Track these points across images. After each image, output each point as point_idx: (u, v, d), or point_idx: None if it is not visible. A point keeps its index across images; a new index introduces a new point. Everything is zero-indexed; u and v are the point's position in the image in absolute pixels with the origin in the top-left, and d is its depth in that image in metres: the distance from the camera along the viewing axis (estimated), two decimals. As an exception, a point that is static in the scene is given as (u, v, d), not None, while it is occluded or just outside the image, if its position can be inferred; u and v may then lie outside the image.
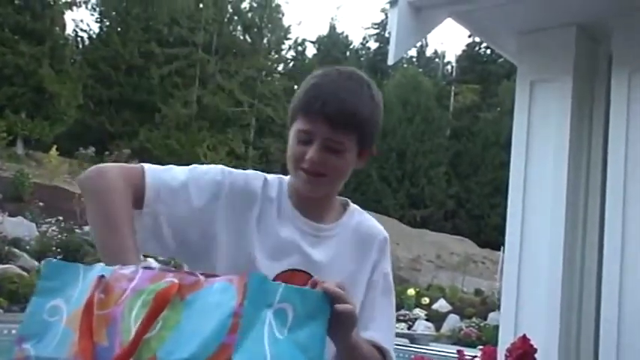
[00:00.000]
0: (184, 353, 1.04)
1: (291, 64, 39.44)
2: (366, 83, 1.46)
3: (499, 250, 21.40)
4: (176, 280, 1.14)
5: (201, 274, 1.16)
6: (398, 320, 17.72)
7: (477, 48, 43.59)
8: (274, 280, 1.30)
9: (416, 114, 37.26)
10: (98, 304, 1.13)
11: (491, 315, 16.90)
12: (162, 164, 1.51)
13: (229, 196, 1.45)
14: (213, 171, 1.48)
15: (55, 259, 1.29)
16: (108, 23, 35.41)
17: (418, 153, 36.61)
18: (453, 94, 43.51)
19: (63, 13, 29.06)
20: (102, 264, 1.25)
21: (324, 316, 1.18)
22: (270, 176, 1.54)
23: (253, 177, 1.51)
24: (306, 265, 1.46)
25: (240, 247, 1.43)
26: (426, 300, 18.91)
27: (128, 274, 1.18)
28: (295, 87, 37.83)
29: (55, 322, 1.15)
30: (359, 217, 1.58)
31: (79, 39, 35.69)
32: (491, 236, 30.90)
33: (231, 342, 1.04)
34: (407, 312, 18.04)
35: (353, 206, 1.60)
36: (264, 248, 1.44)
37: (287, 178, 1.54)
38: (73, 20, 45.44)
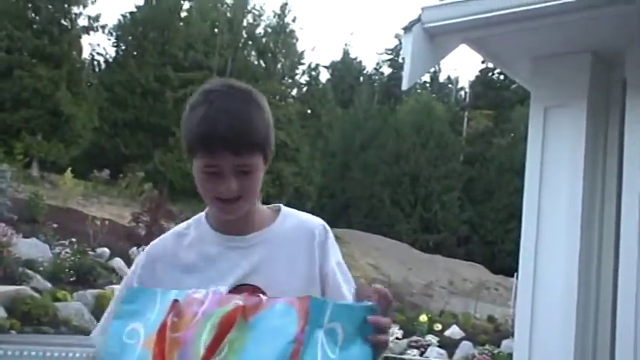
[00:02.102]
0: None
1: (304, 89, 39.60)
2: (250, 97, 1.48)
3: (512, 276, 21.24)
4: (241, 303, 1.19)
5: (263, 294, 1.24)
6: (410, 347, 17.56)
7: (490, 74, 43.64)
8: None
9: (429, 139, 37.24)
10: (171, 327, 1.19)
11: (504, 342, 16.72)
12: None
13: (142, 277, 1.52)
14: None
15: (136, 286, 1.39)
16: (124, 47, 35.80)
17: (431, 178, 36.52)
18: (466, 119, 43.50)
19: (80, 37, 29.42)
20: (177, 290, 1.30)
21: (370, 330, 1.21)
22: (178, 226, 1.63)
23: (150, 246, 1.60)
24: (245, 277, 1.48)
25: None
26: (438, 326, 18.74)
27: (200, 298, 1.24)
28: (309, 111, 38.00)
29: (132, 345, 1.22)
30: (291, 218, 1.59)
31: (95, 62, 36.11)
32: (505, 262, 30.66)
33: None
34: (419, 338, 17.88)
35: (285, 210, 1.60)
36: (204, 280, 1.46)
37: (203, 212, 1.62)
38: (90, 44, 46.03)
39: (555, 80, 3.18)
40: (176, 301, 1.24)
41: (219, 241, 1.54)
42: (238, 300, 1.21)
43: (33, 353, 11.14)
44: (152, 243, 1.61)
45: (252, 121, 1.44)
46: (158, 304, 1.26)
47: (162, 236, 1.62)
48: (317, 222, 1.58)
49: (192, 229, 1.59)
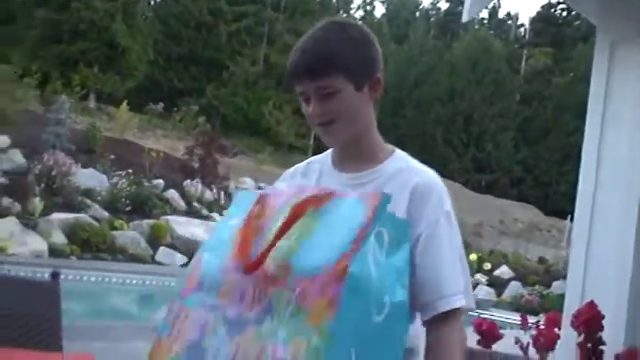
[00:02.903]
0: (314, 261, 1.15)
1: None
2: (341, 26, 1.51)
3: (566, 218, 20.94)
4: (315, 192, 1.28)
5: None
6: (458, 285, 17.64)
7: (552, 10, 42.09)
8: None
9: (485, 76, 36.40)
10: (256, 216, 1.30)
11: (555, 284, 16.62)
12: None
13: None
14: None
15: (244, 190, 1.50)
16: (179, -20, 35.70)
17: (486, 116, 35.86)
18: (525, 57, 42.29)
19: (136, -31, 29.42)
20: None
21: (408, 243, 1.29)
22: (316, 156, 1.67)
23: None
24: None
25: None
26: (487, 265, 18.73)
27: (286, 192, 1.35)
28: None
29: (230, 227, 1.33)
30: (401, 161, 1.53)
31: (150, -5, 36.17)
32: (559, 204, 30.24)
33: (351, 253, 1.14)
34: (468, 277, 17.94)
35: (398, 153, 1.56)
36: None
37: None
38: (145, -24, 45.99)
39: (624, 13, 3.03)
40: (265, 194, 1.34)
41: (334, 175, 1.56)
42: (312, 191, 1.29)
43: (92, 278, 11.61)
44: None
45: (331, 45, 1.47)
46: (254, 201, 1.37)
47: (300, 163, 1.69)
48: (423, 175, 1.49)
49: (319, 161, 1.63)
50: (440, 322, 1.39)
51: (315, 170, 1.60)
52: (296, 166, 1.67)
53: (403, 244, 1.26)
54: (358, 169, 1.53)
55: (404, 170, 1.50)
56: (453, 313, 1.40)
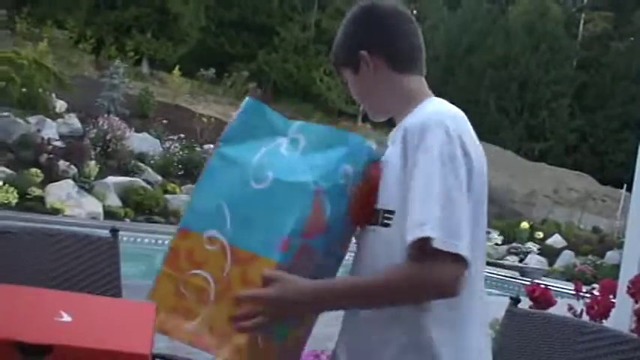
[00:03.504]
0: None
1: (411, -12, 38.33)
2: (349, 14, 1.65)
3: (622, 188, 20.46)
4: None
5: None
6: (510, 253, 17.46)
7: (612, -28, 40.58)
8: None
9: (541, 42, 35.41)
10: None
11: (609, 254, 16.32)
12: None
13: None
14: None
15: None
16: (230, -55, 35.59)
17: (541, 83, 35.00)
18: (582, 21, 40.96)
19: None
20: None
21: (342, 148, 1.47)
22: None
23: None
24: None
25: None
26: (540, 234, 18.49)
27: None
28: (414, 12, 36.87)
29: (343, 185, 1.47)
30: (419, 113, 1.53)
31: (201, -39, 36.12)
32: (615, 174, 29.48)
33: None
34: (519, 245, 17.74)
35: (426, 102, 1.59)
36: None
37: None
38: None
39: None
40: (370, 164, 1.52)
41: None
42: None
43: (146, 240, 11.88)
44: None
45: (336, 39, 1.66)
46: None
47: None
48: (417, 117, 1.49)
49: None
50: (411, 258, 1.35)
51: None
52: None
53: (330, 149, 1.47)
54: (397, 127, 1.59)
55: (411, 116, 1.54)
56: (431, 252, 1.31)
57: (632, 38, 35.98)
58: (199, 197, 1.52)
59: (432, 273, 1.32)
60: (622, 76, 34.19)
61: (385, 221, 1.46)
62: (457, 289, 1.34)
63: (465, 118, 1.52)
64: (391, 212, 1.46)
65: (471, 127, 1.51)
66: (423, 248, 1.32)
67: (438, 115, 1.47)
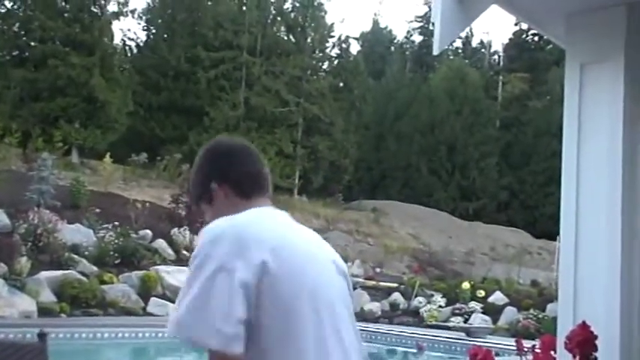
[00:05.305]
0: None
1: (335, 62, 39.31)
2: (200, 151, 1.93)
3: (555, 240, 21.00)
4: None
5: None
6: (454, 314, 17.54)
7: (524, 35, 42.77)
8: None
9: (464, 106, 36.76)
10: None
11: (549, 306, 16.59)
12: None
13: None
14: None
15: None
16: (154, 31, 35.95)
17: (468, 145, 36.12)
18: (501, 83, 42.80)
19: (111, 23, 29.60)
20: None
21: None
22: None
23: None
24: None
25: None
26: (481, 293, 18.67)
27: None
28: (341, 84, 37.78)
29: None
30: None
31: (127, 47, 36.35)
32: (547, 226, 30.32)
33: None
34: (462, 305, 17.85)
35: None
36: None
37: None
38: (121, 30, 46.37)
39: (590, 36, 3.10)
40: None
41: None
42: None
43: (84, 335, 11.44)
44: None
45: (190, 179, 1.99)
46: None
47: None
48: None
49: None
50: None
51: None
52: None
53: None
54: None
55: None
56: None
57: (548, 97, 37.69)
58: None
59: None
60: (543, 133, 35.61)
61: None
62: None
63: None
64: None
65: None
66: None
67: (208, 228, 1.74)
